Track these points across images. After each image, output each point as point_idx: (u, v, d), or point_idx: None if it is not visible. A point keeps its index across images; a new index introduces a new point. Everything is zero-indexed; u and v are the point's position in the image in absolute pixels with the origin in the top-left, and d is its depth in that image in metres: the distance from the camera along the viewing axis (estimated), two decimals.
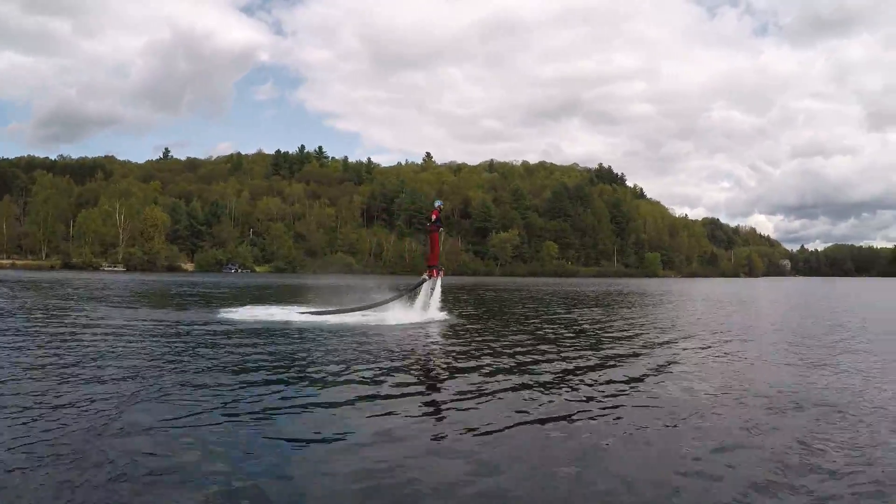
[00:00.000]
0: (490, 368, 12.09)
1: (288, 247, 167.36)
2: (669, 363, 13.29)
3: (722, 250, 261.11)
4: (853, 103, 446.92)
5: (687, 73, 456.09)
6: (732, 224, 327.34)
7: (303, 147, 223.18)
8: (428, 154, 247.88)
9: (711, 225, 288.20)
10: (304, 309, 23.68)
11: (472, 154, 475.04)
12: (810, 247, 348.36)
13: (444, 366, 12.69)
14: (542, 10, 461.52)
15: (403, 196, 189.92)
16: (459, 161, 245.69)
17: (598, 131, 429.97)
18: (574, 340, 17.12)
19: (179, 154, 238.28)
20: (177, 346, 13.99)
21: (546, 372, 11.77)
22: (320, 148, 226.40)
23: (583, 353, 14.68)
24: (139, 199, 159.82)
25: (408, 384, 10.37)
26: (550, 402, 9.22)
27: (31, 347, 13.49)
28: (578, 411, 8.61)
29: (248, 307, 25.58)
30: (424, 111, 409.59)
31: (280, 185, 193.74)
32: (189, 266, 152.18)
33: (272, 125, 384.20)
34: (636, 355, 14.46)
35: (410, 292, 23.94)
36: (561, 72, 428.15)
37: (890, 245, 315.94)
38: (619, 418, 8.30)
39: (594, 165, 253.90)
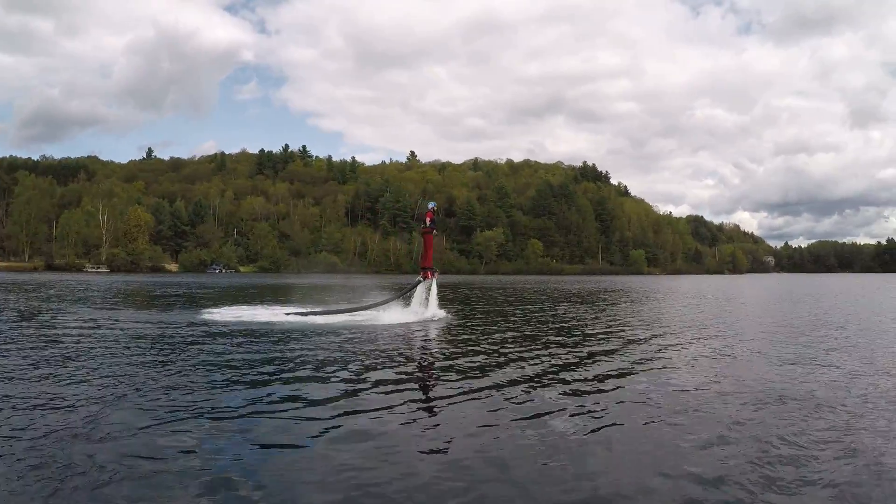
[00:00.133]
0: (476, 366, 12.13)
1: (272, 246, 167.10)
2: (653, 359, 13.36)
3: (706, 247, 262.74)
4: (836, 101, 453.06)
5: (671, 72, 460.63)
6: (716, 221, 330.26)
7: (287, 146, 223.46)
8: (412, 153, 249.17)
9: (695, 222, 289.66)
10: (292, 309, 23.67)
11: (457, 152, 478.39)
12: (794, 243, 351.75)
13: (432, 364, 12.71)
14: (526, 9, 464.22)
15: (388, 195, 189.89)
16: (444, 160, 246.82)
17: (583, 129, 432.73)
18: (559, 338, 17.16)
19: (163, 154, 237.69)
20: (160, 348, 13.92)
21: (531, 369, 11.81)
22: (304, 147, 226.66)
23: (567, 349, 14.74)
24: (122, 200, 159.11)
25: (394, 382, 10.36)
26: (534, 399, 9.25)
27: (10, 351, 13.33)
28: (560, 409, 8.66)
29: (233, 307, 25.55)
30: (409, 110, 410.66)
31: (264, 185, 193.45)
32: (173, 267, 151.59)
33: (256, 124, 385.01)
34: (620, 352, 14.53)
35: (406, 294, 23.97)
36: (545, 70, 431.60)
37: (872, 241, 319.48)
38: (601, 415, 8.34)
39: (578, 163, 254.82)
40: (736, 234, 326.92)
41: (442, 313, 23.11)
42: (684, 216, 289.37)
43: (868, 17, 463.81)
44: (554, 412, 8.49)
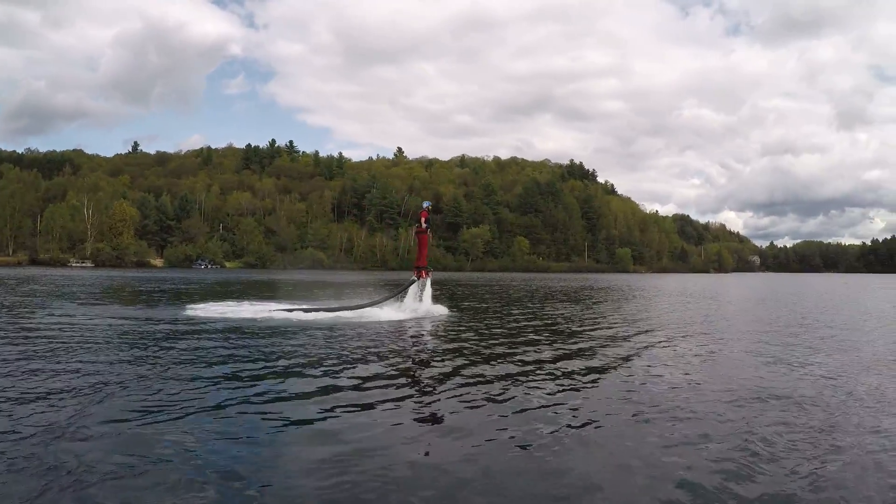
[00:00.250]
0: (462, 363, 12.12)
1: (258, 242, 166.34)
2: (638, 357, 13.46)
3: (692, 246, 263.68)
4: (823, 102, 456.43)
5: (659, 71, 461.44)
6: (702, 220, 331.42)
7: (273, 141, 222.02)
8: (399, 149, 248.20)
9: (682, 221, 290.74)
10: (282, 306, 23.62)
11: (444, 149, 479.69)
12: (779, 243, 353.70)
13: (418, 361, 12.66)
14: (516, 7, 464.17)
15: (374, 191, 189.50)
16: (431, 156, 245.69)
17: (570, 127, 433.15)
18: (544, 335, 17.18)
19: (149, 148, 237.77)
20: (145, 345, 13.87)
21: (516, 367, 11.83)
22: (291, 142, 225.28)
23: (552, 346, 14.77)
24: (108, 194, 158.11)
25: (376, 378, 10.32)
26: (517, 396, 9.26)
27: None
28: (544, 405, 8.72)
29: (219, 303, 25.42)
30: (396, 106, 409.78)
31: (251, 180, 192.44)
32: (158, 262, 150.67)
33: (243, 119, 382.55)
34: (604, 349, 14.60)
35: (400, 294, 23.99)
36: (534, 68, 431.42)
37: (857, 242, 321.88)
38: (582, 412, 8.40)
39: (565, 161, 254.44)
40: (722, 234, 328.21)
41: (438, 309, 23.25)
42: (671, 215, 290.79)
43: (856, 20, 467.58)
44: (535, 408, 8.57)
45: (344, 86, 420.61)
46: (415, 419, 8.07)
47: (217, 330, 17.00)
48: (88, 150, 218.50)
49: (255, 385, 9.80)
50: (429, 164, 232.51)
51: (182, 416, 7.80)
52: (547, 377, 11.03)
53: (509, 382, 10.41)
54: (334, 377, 10.60)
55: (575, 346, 15.20)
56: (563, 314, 25.15)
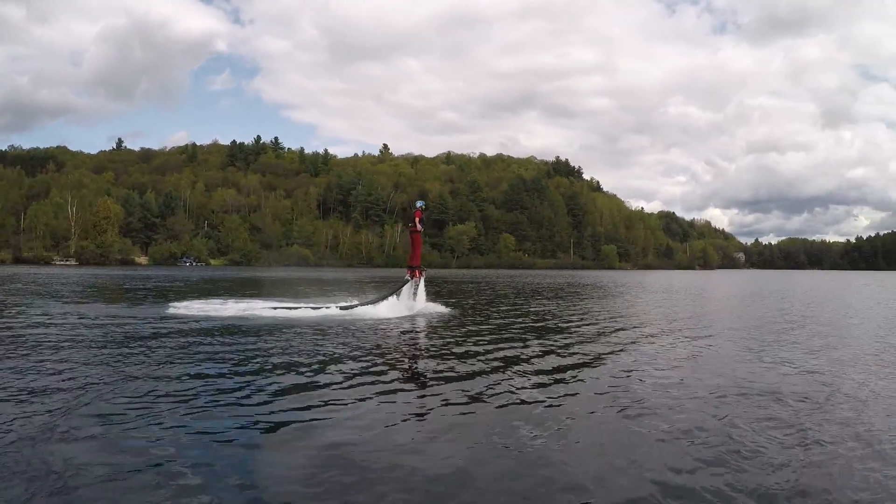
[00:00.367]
0: (451, 359, 12.15)
1: (243, 239, 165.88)
2: (623, 353, 13.52)
3: (677, 243, 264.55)
4: (808, 101, 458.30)
5: (645, 69, 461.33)
6: (688, 217, 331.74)
7: (259, 138, 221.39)
8: (385, 146, 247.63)
9: (667, 218, 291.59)
10: (270, 304, 23.58)
11: (430, 146, 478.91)
12: (764, 240, 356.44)
13: (409, 358, 12.70)
14: (501, 4, 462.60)
15: (360, 188, 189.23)
16: (416, 153, 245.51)
17: (556, 124, 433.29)
18: (533, 333, 17.18)
19: (133, 144, 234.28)
20: (128, 344, 13.80)
21: (502, 363, 11.85)
22: (276, 139, 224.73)
23: (540, 342, 14.80)
24: (92, 191, 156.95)
25: (362, 375, 10.31)
26: (500, 392, 9.29)
27: None
28: (526, 401, 8.75)
29: (202, 301, 25.32)
30: (382, 102, 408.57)
31: (235, 177, 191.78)
32: (143, 259, 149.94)
33: (228, 115, 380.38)
34: (590, 345, 14.65)
35: (394, 294, 23.96)
36: (519, 65, 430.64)
37: (841, 239, 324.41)
38: (565, 408, 8.44)
39: (551, 158, 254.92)
40: (707, 231, 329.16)
41: (432, 308, 23.37)
42: (656, 212, 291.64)
43: (841, 19, 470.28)
44: (518, 404, 8.63)
45: (329, 82, 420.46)
46: (399, 417, 8.07)
47: (202, 329, 16.92)
48: (72, 147, 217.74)
49: (240, 384, 9.77)
50: (414, 160, 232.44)
51: (168, 416, 7.76)
52: (533, 373, 11.08)
53: (494, 380, 10.43)
54: (321, 375, 10.59)
55: (560, 343, 15.25)
56: (550, 311, 25.23)
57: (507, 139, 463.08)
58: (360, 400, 8.82)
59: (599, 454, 6.69)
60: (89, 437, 6.86)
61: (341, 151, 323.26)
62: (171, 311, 21.71)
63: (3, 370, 10.50)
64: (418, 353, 13.77)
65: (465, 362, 12.20)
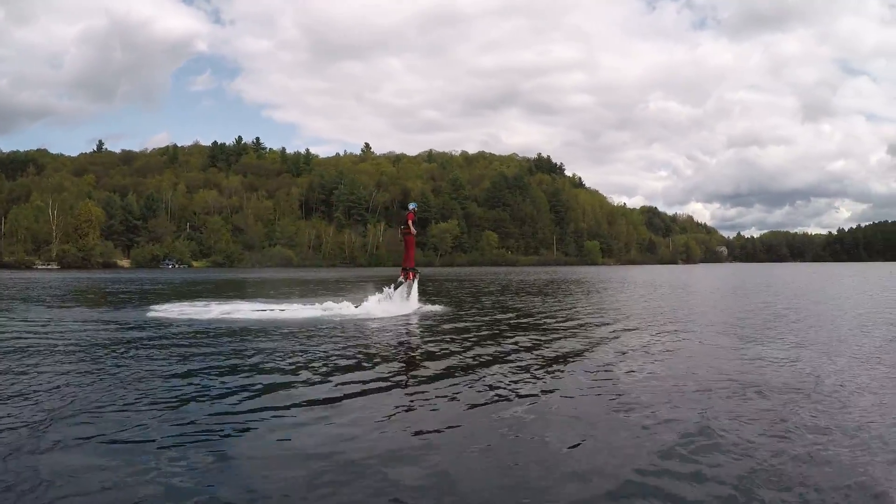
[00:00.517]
0: (440, 357, 12.21)
1: (226, 240, 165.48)
2: (607, 347, 13.47)
3: (660, 238, 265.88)
4: (788, 95, 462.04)
5: (625, 65, 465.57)
6: (670, 212, 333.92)
7: (240, 138, 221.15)
8: (367, 145, 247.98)
9: (649, 213, 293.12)
10: (255, 305, 23.51)
11: (412, 144, 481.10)
12: (746, 233, 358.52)
13: (398, 357, 12.58)
14: (482, 2, 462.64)
15: (342, 187, 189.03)
16: (398, 151, 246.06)
17: (537, 121, 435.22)
18: (516, 329, 17.21)
19: (114, 147, 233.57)
20: (110, 348, 13.66)
21: (491, 359, 11.85)
22: (258, 139, 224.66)
23: (527, 337, 14.76)
24: (73, 194, 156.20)
25: (353, 372, 10.28)
26: (490, 389, 9.25)
27: None
28: (511, 398, 8.74)
29: (185, 303, 25.26)
30: (363, 101, 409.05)
31: (217, 178, 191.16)
32: (125, 262, 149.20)
33: (209, 116, 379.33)
34: (575, 340, 14.62)
35: (388, 294, 23.96)
36: (500, 63, 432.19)
37: (823, 231, 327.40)
38: (548, 402, 8.48)
39: (533, 155, 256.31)
40: (689, 225, 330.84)
41: (425, 308, 23.33)
42: (638, 207, 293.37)
43: (820, 14, 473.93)
44: (505, 400, 8.64)
45: (311, 81, 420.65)
46: (384, 414, 8.06)
47: (185, 332, 16.79)
48: (53, 150, 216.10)
49: (226, 386, 9.71)
50: (396, 159, 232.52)
51: (153, 421, 7.70)
52: (519, 370, 11.06)
53: (480, 376, 10.46)
54: (308, 376, 10.57)
55: (545, 339, 15.25)
56: (535, 307, 25.26)
57: (488, 137, 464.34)
58: (348, 398, 8.84)
59: (584, 449, 6.73)
60: (76, 445, 6.73)
61: (323, 151, 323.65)
62: (153, 314, 21.44)
63: None
64: (408, 353, 13.79)
65: (453, 360, 12.23)
